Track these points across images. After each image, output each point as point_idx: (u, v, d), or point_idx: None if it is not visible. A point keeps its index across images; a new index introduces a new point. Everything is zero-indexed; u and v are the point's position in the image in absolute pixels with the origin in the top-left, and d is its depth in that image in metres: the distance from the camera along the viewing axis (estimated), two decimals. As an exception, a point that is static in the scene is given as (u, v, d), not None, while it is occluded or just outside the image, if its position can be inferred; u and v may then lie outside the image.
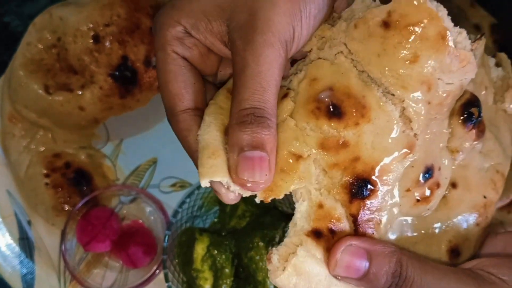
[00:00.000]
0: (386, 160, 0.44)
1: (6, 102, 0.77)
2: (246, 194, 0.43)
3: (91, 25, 0.72)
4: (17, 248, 0.78)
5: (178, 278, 0.74)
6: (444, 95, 0.46)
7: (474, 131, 0.50)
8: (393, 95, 0.44)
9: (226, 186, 0.43)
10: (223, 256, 0.72)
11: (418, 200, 0.48)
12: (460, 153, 0.51)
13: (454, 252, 0.50)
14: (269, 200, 0.43)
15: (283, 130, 0.44)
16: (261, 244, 0.71)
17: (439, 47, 0.43)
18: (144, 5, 0.74)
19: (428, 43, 0.43)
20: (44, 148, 0.79)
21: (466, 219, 0.51)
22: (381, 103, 0.44)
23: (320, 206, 0.43)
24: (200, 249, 0.72)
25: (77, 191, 0.79)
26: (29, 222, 0.79)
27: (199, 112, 0.47)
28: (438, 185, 0.48)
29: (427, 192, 0.48)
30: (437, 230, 0.50)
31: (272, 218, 0.74)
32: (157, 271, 0.76)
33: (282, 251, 0.42)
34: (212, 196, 0.79)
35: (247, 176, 0.40)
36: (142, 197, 0.81)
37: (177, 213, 0.77)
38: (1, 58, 0.81)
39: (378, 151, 0.44)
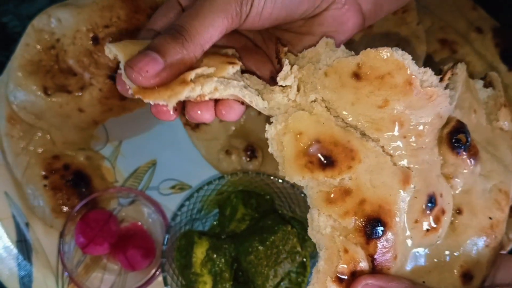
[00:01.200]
0: (390, 194, 0.46)
1: (4, 103, 0.76)
2: (126, 80, 0.45)
3: (91, 27, 0.72)
4: (15, 250, 0.77)
5: (177, 281, 0.74)
6: (420, 127, 0.48)
7: (465, 156, 0.52)
8: (369, 136, 0.47)
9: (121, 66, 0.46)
10: (223, 260, 0.71)
11: (427, 230, 0.49)
12: (456, 179, 0.52)
13: (467, 276, 0.51)
14: (135, 97, 0.45)
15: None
16: (260, 248, 0.71)
17: (407, 91, 0.46)
18: (144, 6, 0.74)
19: (397, 90, 0.46)
20: (42, 150, 0.78)
21: (475, 243, 0.52)
22: (364, 143, 0.47)
23: (346, 251, 0.45)
24: (199, 252, 0.71)
25: (76, 193, 0.78)
26: (27, 224, 0.78)
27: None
28: (443, 212, 0.50)
29: (435, 220, 0.49)
30: (448, 257, 0.52)
31: (271, 222, 0.73)
32: (156, 273, 0.76)
33: None
34: (211, 199, 0.79)
35: (131, 64, 0.43)
36: (141, 200, 0.81)
37: (176, 216, 0.76)
38: (-1, 58, 0.80)
39: (379, 188, 0.46)
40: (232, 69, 0.49)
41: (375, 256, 0.46)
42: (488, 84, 0.62)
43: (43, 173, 0.77)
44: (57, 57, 0.73)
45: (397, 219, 0.46)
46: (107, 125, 0.83)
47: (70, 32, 0.72)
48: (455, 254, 0.52)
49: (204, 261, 0.72)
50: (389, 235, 0.46)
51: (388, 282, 0.44)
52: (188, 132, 0.84)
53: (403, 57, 0.46)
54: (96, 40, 0.72)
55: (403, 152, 0.48)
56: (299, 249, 0.72)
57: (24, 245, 0.78)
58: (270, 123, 0.49)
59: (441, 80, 0.49)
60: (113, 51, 0.46)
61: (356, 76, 0.46)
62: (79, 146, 0.81)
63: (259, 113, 0.80)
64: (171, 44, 0.44)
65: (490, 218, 0.53)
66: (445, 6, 0.88)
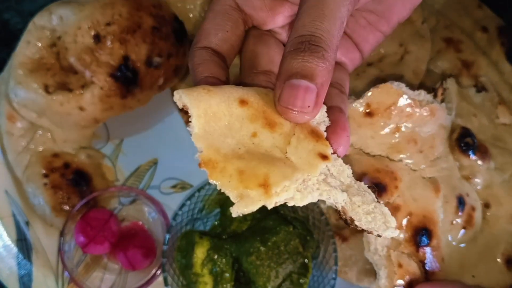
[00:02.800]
0: (428, 204, 0.54)
1: (4, 101, 0.76)
2: (197, 142, 0.40)
3: (92, 24, 0.71)
4: (15, 249, 0.76)
5: (178, 281, 0.73)
6: (430, 139, 0.58)
7: (477, 155, 0.61)
8: (394, 160, 0.56)
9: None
10: (223, 260, 0.71)
11: (464, 227, 0.57)
12: (475, 179, 0.61)
13: (510, 262, 0.58)
14: (202, 167, 0.39)
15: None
16: (262, 248, 0.70)
17: (411, 114, 0.56)
18: (147, 4, 0.73)
19: (404, 114, 0.56)
20: (43, 148, 0.78)
21: (509, 229, 0.59)
22: (397, 163, 0.55)
23: (400, 265, 0.52)
24: (200, 253, 0.71)
25: (76, 191, 0.78)
26: (27, 223, 0.78)
27: (218, 54, 0.45)
28: (473, 208, 0.58)
29: (468, 217, 0.57)
30: (489, 249, 0.58)
31: (273, 222, 0.72)
32: (157, 273, 0.75)
33: None
34: (213, 199, 0.78)
35: (289, 104, 0.38)
36: (142, 199, 0.80)
37: (177, 215, 0.76)
38: None
39: (419, 201, 0.54)
40: (324, 168, 0.40)
41: (426, 261, 0.53)
42: (481, 88, 0.72)
43: (44, 171, 0.77)
44: (58, 55, 0.73)
45: (439, 225, 0.53)
46: (108, 123, 0.83)
47: (71, 29, 0.71)
48: (494, 244, 0.59)
49: (205, 261, 0.71)
50: (434, 241, 0.53)
51: (443, 287, 0.49)
52: (189, 131, 0.83)
53: (399, 87, 0.55)
54: (97, 38, 0.71)
55: (424, 165, 0.57)
56: (301, 250, 0.71)
57: (24, 244, 0.77)
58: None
59: (435, 97, 0.59)
60: (184, 101, 0.40)
61: (369, 114, 0.55)
62: (80, 144, 0.80)
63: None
64: (314, 63, 0.37)
65: None
66: (450, 4, 0.87)
